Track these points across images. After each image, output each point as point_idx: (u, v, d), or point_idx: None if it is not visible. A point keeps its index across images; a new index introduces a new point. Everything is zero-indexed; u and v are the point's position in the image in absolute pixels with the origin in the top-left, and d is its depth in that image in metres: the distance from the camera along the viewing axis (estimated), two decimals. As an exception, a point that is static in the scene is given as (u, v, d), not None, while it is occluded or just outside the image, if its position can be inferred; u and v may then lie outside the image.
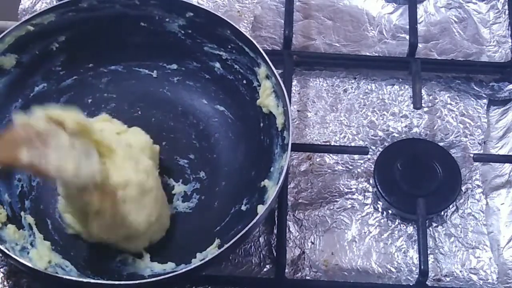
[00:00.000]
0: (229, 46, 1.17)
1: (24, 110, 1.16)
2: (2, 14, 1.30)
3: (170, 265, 1.09)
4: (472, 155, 1.23)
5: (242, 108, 1.19)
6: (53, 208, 1.15)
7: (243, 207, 1.13)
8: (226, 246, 1.02)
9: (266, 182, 1.11)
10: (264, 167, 1.13)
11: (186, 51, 1.21)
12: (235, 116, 1.21)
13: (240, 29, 1.15)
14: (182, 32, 1.20)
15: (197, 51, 1.21)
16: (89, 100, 1.23)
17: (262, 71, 1.14)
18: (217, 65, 1.21)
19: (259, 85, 1.15)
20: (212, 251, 1.08)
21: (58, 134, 0.98)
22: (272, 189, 1.09)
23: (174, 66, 1.23)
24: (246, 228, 1.02)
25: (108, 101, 1.23)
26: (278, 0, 1.36)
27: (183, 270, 1.02)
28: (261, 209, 1.05)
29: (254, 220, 1.03)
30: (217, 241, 1.09)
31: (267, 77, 1.14)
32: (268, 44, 1.32)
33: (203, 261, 1.02)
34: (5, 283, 1.13)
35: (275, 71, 1.12)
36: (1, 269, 1.14)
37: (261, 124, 1.16)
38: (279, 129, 1.12)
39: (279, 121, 1.12)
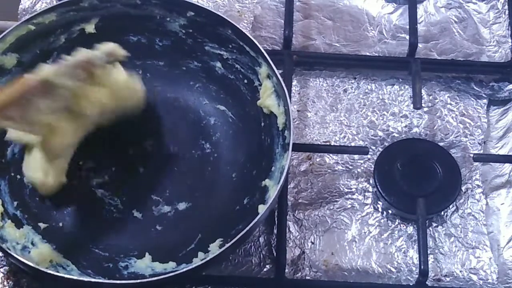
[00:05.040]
0: (230, 46, 1.17)
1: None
2: (2, 14, 1.30)
3: (171, 265, 1.09)
4: (472, 155, 1.23)
5: (243, 108, 1.19)
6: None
7: (244, 207, 1.13)
8: (227, 245, 1.02)
9: (267, 182, 1.11)
10: (265, 167, 1.13)
11: (187, 51, 1.21)
12: (236, 115, 1.20)
13: (241, 29, 1.15)
14: (183, 31, 1.20)
15: (198, 50, 1.21)
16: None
17: (263, 70, 1.14)
18: (218, 64, 1.21)
19: (260, 85, 1.16)
20: (213, 251, 1.08)
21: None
22: (273, 188, 1.09)
23: (175, 66, 1.23)
24: (248, 227, 1.02)
25: None
26: (278, 0, 1.36)
27: (184, 270, 1.02)
28: (262, 208, 1.06)
29: (256, 219, 1.03)
30: (218, 241, 1.09)
31: (268, 76, 1.14)
32: (268, 44, 1.32)
33: (204, 261, 1.02)
34: (5, 283, 1.12)
35: (276, 70, 1.12)
36: (1, 269, 1.14)
37: (262, 124, 1.16)
38: (280, 129, 1.12)
39: (280, 120, 1.12)
